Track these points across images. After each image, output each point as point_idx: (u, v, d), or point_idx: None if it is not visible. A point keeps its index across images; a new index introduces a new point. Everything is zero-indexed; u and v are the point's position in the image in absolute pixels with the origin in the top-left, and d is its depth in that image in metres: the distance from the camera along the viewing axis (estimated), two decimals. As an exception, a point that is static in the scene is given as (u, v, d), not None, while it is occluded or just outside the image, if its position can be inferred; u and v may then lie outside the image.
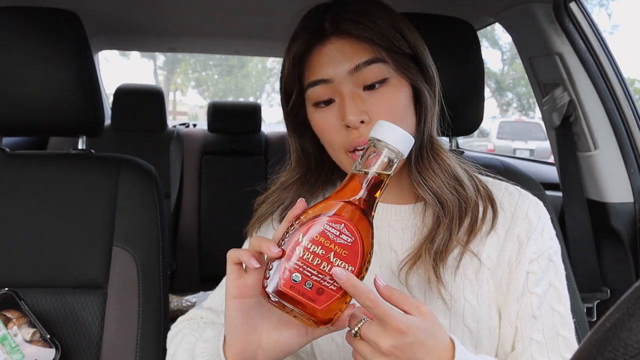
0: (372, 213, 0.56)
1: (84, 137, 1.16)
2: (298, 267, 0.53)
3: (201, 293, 2.17)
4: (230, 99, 23.60)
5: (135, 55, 24.07)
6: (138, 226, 1.07)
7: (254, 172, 2.52)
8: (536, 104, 1.51)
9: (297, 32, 0.73)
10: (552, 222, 0.77)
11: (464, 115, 1.05)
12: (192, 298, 2.14)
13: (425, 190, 0.70)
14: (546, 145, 4.50)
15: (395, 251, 0.73)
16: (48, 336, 0.95)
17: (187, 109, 26.12)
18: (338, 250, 0.54)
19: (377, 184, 0.57)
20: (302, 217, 0.55)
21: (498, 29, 18.37)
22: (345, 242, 0.54)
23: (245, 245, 0.85)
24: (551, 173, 1.65)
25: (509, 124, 11.79)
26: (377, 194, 0.57)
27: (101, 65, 2.85)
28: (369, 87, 0.69)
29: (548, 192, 1.15)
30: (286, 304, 0.54)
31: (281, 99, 0.78)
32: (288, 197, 0.78)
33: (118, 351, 1.00)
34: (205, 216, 2.53)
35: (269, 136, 2.72)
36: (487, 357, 0.63)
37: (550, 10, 1.29)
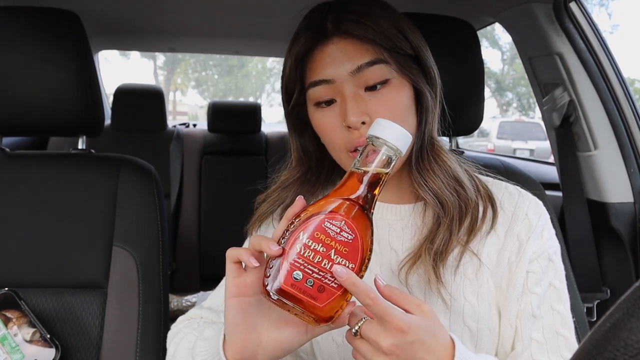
0: (372, 210, 0.56)
1: (84, 137, 1.16)
2: (299, 265, 0.53)
3: (201, 293, 2.17)
4: (230, 99, 23.60)
5: (135, 55, 24.10)
6: (138, 226, 1.07)
7: (254, 172, 2.51)
8: (536, 104, 1.51)
9: (299, 31, 0.73)
10: (552, 222, 0.77)
11: (464, 115, 1.05)
12: (192, 298, 2.14)
13: (425, 191, 0.71)
14: (546, 145, 4.50)
15: (395, 251, 0.74)
16: (48, 336, 0.95)
17: (187, 109, 26.12)
18: (339, 248, 0.54)
19: (376, 181, 0.56)
20: (301, 215, 0.55)
21: (498, 29, 18.39)
22: (346, 240, 0.54)
23: (246, 244, 0.84)
24: (551, 173, 1.65)
25: (509, 124, 11.79)
26: (376, 192, 0.57)
27: (101, 65, 2.85)
28: (371, 88, 0.69)
29: (548, 192, 1.15)
30: (287, 302, 0.54)
31: (282, 98, 0.78)
32: (289, 196, 0.78)
33: (118, 351, 1.00)
34: (205, 216, 2.53)
35: (269, 136, 2.72)
36: (487, 357, 0.63)
37: (550, 10, 1.29)
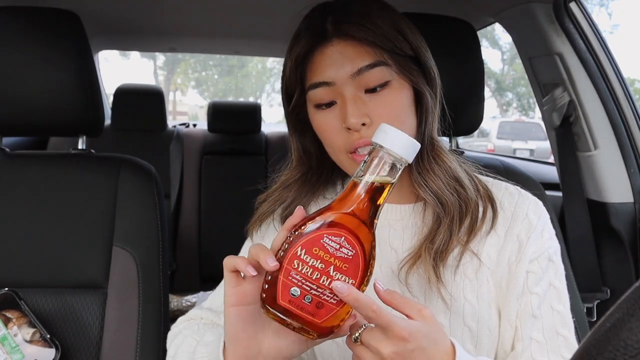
0: (375, 221, 0.54)
1: (84, 137, 1.16)
2: (296, 281, 0.52)
3: (201, 293, 2.17)
4: (230, 99, 23.60)
5: (135, 55, 24.09)
6: (138, 226, 1.07)
7: (254, 172, 2.51)
8: (536, 104, 1.51)
9: (299, 32, 0.73)
10: (552, 222, 0.77)
11: (464, 115, 1.05)
12: (192, 298, 2.14)
13: (426, 191, 0.71)
14: (546, 145, 4.50)
15: (395, 250, 0.74)
16: (48, 336, 0.95)
17: (187, 109, 26.11)
18: (338, 264, 0.52)
19: (379, 192, 0.54)
20: (301, 228, 0.53)
21: (498, 29, 18.38)
22: (346, 256, 0.52)
23: (245, 244, 0.85)
24: (551, 173, 1.65)
25: (509, 124, 11.79)
26: (380, 202, 0.55)
27: (101, 65, 2.85)
28: (371, 90, 0.69)
29: (548, 192, 1.15)
30: (285, 317, 0.53)
31: (282, 98, 0.78)
32: (289, 196, 0.78)
33: (118, 351, 1.00)
34: (205, 216, 2.53)
35: (269, 136, 2.73)
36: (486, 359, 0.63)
37: (550, 10, 1.29)
